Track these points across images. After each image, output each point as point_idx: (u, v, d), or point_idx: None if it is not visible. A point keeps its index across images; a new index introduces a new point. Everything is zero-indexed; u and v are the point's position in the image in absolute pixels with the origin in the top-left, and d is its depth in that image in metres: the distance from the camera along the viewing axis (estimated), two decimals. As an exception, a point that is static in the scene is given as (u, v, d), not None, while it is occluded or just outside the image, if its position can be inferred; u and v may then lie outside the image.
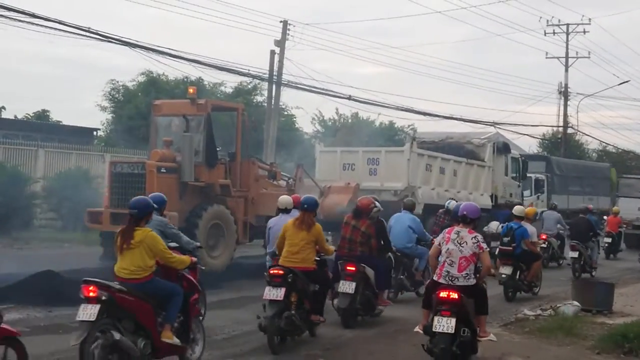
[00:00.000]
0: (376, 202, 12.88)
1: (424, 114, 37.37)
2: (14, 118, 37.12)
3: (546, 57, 50.07)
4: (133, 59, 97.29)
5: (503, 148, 28.45)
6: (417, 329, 9.59)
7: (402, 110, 35.15)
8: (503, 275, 15.64)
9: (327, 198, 20.71)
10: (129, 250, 8.55)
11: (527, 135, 55.85)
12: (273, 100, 31.12)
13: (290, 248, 10.76)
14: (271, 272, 10.45)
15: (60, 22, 20.82)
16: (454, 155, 25.42)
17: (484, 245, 9.56)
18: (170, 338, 8.43)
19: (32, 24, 20.35)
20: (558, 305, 13.75)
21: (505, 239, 16.09)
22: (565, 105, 49.64)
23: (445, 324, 8.84)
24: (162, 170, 16.69)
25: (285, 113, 39.70)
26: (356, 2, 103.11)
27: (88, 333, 7.74)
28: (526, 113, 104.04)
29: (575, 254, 20.04)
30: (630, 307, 14.60)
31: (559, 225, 23.15)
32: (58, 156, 28.50)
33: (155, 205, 9.29)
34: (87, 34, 21.72)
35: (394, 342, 11.28)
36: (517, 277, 15.85)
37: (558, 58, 49.66)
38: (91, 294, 7.89)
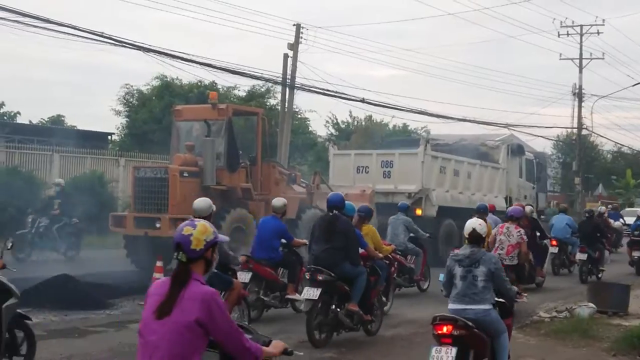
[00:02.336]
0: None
1: (438, 116, 37.30)
2: (29, 123, 37.35)
3: (560, 59, 49.95)
4: (147, 64, 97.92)
5: (517, 150, 28.37)
6: None
7: (415, 112, 35.04)
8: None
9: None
10: None
11: (541, 137, 55.79)
12: (286, 104, 31.13)
13: None
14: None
15: (74, 27, 20.89)
16: (468, 158, 25.37)
17: (525, 237, 13.94)
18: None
19: (46, 29, 20.42)
20: (573, 307, 13.70)
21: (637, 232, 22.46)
22: (580, 107, 49.48)
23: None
24: (184, 175, 16.85)
25: (299, 116, 39.78)
26: (369, 4, 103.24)
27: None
28: (540, 115, 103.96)
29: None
30: (646, 309, 14.53)
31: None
32: (73, 161, 28.62)
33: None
34: (101, 38, 21.79)
35: (410, 344, 11.26)
36: None
37: (572, 59, 49.52)
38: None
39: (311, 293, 10.48)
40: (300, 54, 31.25)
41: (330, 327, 10.79)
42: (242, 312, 10.69)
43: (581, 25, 48.74)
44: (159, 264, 14.12)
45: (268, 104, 36.79)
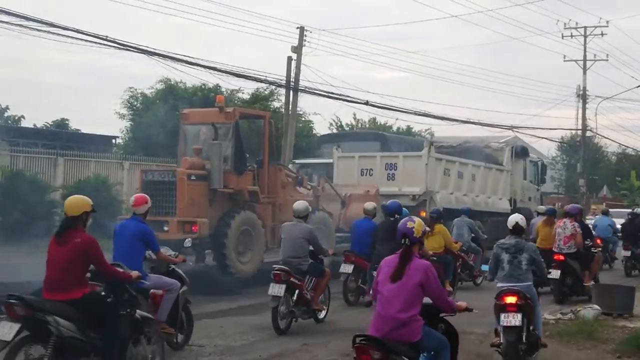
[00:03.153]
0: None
1: (442, 118, 37.37)
2: (33, 127, 37.36)
3: (564, 60, 49.96)
4: (151, 67, 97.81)
5: (521, 152, 28.36)
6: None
7: (419, 114, 35.16)
8: None
9: (349, 208, 20.85)
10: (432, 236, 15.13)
11: (545, 138, 55.78)
12: (290, 106, 31.15)
13: None
14: None
15: (77, 31, 20.97)
16: (472, 160, 25.36)
17: (579, 230, 15.98)
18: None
19: (50, 33, 20.50)
20: (578, 309, 13.67)
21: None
22: (584, 108, 49.46)
23: (554, 274, 15.46)
24: (192, 178, 16.90)
25: (303, 119, 39.77)
26: (373, 7, 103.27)
27: None
28: (544, 116, 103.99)
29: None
30: (651, 311, 14.50)
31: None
32: (77, 164, 28.63)
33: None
34: (105, 42, 21.87)
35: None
36: None
37: (576, 61, 49.52)
38: None
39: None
40: (304, 57, 31.30)
41: None
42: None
43: (585, 27, 48.76)
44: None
45: (272, 106, 36.80)
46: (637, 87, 49.09)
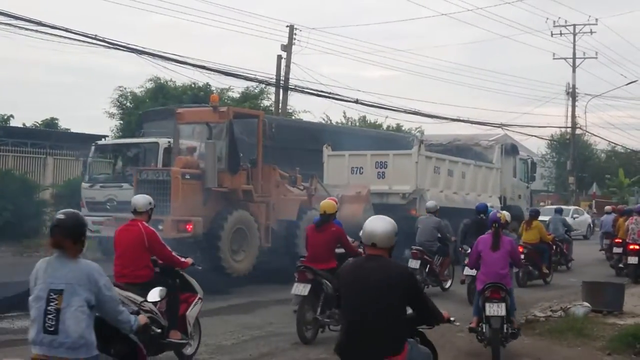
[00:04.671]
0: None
1: (431, 116, 37.46)
2: (22, 126, 37.24)
3: (553, 58, 50.12)
4: (140, 66, 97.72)
5: (511, 150, 28.41)
6: None
7: (409, 113, 35.25)
8: None
9: (341, 210, 20.77)
10: (530, 230, 19.14)
11: (535, 136, 55.97)
12: (280, 105, 31.15)
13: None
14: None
15: (67, 30, 20.92)
16: (462, 158, 25.39)
17: None
18: None
19: (39, 32, 20.44)
20: (568, 307, 13.70)
21: None
22: (573, 106, 49.65)
23: (632, 260, 19.54)
24: (186, 177, 16.89)
25: (293, 117, 39.76)
26: (362, 6, 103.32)
27: None
28: (534, 114, 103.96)
29: None
30: (640, 308, 14.55)
31: None
32: (67, 164, 28.59)
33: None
34: (94, 41, 21.82)
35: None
36: None
37: (565, 59, 49.67)
38: None
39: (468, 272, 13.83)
40: (294, 55, 31.36)
41: None
42: None
43: (574, 25, 48.90)
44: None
45: (262, 105, 36.80)
46: (626, 84, 49.37)
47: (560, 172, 62.69)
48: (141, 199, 9.48)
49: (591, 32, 48.63)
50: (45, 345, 5.36)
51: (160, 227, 16.41)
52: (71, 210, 5.77)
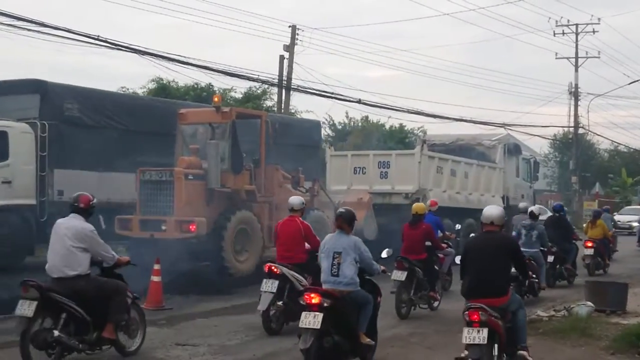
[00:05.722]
0: None
1: (434, 116, 37.39)
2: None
3: (556, 58, 50.04)
4: (143, 67, 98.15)
5: (514, 149, 28.39)
6: None
7: (412, 113, 35.17)
8: None
9: None
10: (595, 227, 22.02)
11: (538, 136, 56.21)
12: (283, 105, 31.15)
13: None
14: None
15: (69, 31, 20.87)
16: (464, 158, 25.38)
17: None
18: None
19: (41, 32, 20.42)
20: (571, 306, 13.67)
21: None
22: (576, 106, 49.56)
23: None
24: (189, 177, 16.90)
25: (296, 117, 39.75)
26: (364, 6, 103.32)
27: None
28: (537, 114, 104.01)
29: None
30: (644, 307, 14.52)
31: None
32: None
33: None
34: (97, 42, 21.78)
35: (407, 344, 11.27)
36: None
37: (568, 58, 49.59)
38: None
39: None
40: (296, 56, 31.37)
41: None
42: None
43: (577, 24, 48.81)
44: (156, 267, 14.13)
45: (264, 105, 36.80)
46: (629, 84, 49.32)
47: (563, 171, 62.64)
48: (297, 200, 12.65)
49: (594, 32, 48.56)
50: (331, 283, 9.20)
51: (163, 227, 16.46)
52: (349, 207, 9.97)
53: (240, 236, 17.43)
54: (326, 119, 50.20)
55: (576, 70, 49.29)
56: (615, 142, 65.49)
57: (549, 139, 60.90)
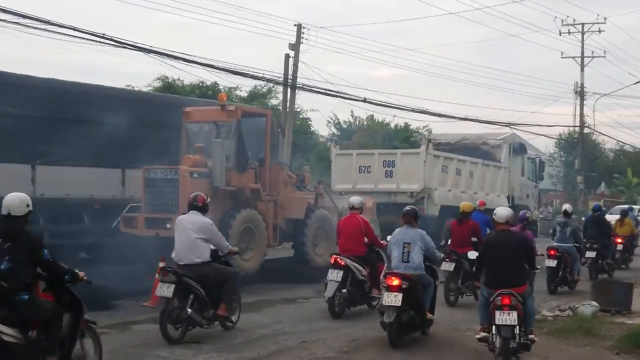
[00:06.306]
0: None
1: (440, 115, 37.29)
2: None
3: (561, 57, 49.91)
4: (148, 65, 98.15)
5: (519, 149, 28.37)
6: None
7: (417, 112, 35.05)
8: None
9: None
10: (623, 226, 23.13)
11: (543, 135, 55.70)
12: (288, 104, 31.13)
13: None
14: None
15: (74, 29, 20.85)
16: (470, 157, 25.36)
17: None
18: None
19: (47, 30, 20.39)
20: (576, 306, 13.67)
21: None
22: (582, 105, 49.43)
23: None
24: (194, 175, 16.89)
25: (301, 116, 39.74)
26: (370, 5, 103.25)
27: None
28: (542, 113, 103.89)
29: None
30: (649, 307, 14.50)
31: None
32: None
33: None
34: (102, 40, 21.74)
35: (412, 344, 11.26)
36: None
37: (573, 58, 49.46)
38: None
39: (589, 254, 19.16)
40: (302, 54, 31.25)
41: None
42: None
43: (582, 24, 48.67)
44: (161, 264, 14.12)
45: (270, 104, 36.77)
46: (635, 83, 49.03)
47: (568, 171, 62.52)
48: (357, 199, 14.12)
49: (599, 31, 48.41)
50: (402, 268, 10.91)
51: (168, 225, 16.44)
52: (413, 206, 12.18)
53: (245, 235, 17.43)
54: (331, 118, 50.24)
55: (582, 70, 49.17)
56: (620, 141, 65.43)
57: (554, 138, 60.80)
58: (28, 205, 7.70)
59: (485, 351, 10.06)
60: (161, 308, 10.83)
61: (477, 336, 10.07)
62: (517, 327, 9.51)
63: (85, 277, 8.06)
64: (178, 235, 11.38)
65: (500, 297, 9.48)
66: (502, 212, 10.33)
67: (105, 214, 17.98)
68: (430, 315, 11.39)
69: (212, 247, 11.39)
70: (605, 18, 48.44)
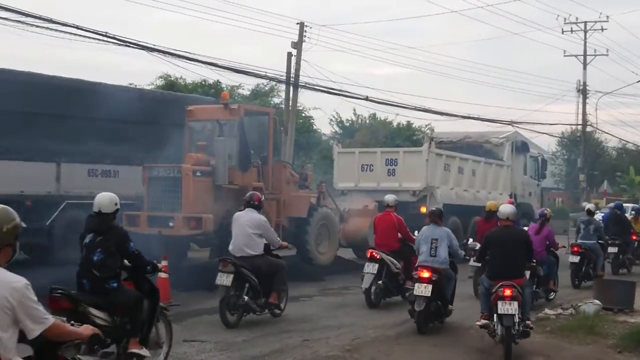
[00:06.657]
0: None
1: (442, 113, 37.34)
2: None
3: (564, 55, 49.92)
4: (151, 63, 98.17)
5: (522, 147, 28.32)
6: None
7: (419, 110, 35.11)
8: None
9: (348, 223, 20.94)
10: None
11: (545, 134, 55.69)
12: (290, 102, 31.14)
13: None
14: None
15: (77, 27, 20.87)
16: (472, 155, 25.34)
17: None
18: None
19: (50, 29, 20.41)
20: (579, 304, 13.66)
21: None
22: (584, 103, 49.43)
23: None
24: (197, 174, 16.88)
25: (303, 115, 39.77)
26: (372, 3, 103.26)
27: None
28: (545, 112, 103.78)
29: None
30: (652, 306, 14.49)
31: None
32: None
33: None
34: (105, 38, 21.77)
35: (414, 341, 11.27)
36: None
37: (576, 56, 49.46)
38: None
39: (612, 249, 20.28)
40: (304, 53, 31.30)
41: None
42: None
43: (585, 22, 48.67)
44: (164, 263, 14.11)
45: (272, 102, 36.79)
46: (637, 82, 49.16)
47: (570, 169, 62.53)
48: (391, 197, 15.24)
49: (602, 29, 48.42)
50: (429, 262, 11.87)
51: (171, 223, 16.47)
52: (438, 207, 13.57)
53: None
54: (334, 116, 50.25)
55: (584, 68, 49.17)
56: (623, 140, 65.31)
57: (556, 136, 60.79)
58: (116, 204, 8.47)
59: (485, 348, 10.06)
60: (221, 295, 11.86)
61: (478, 323, 10.62)
62: (517, 314, 10.07)
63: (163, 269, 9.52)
64: (235, 230, 12.42)
65: (502, 289, 10.09)
66: (504, 209, 11.06)
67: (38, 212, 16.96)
68: (450, 306, 12.28)
69: (265, 241, 12.34)
70: (607, 16, 48.49)
